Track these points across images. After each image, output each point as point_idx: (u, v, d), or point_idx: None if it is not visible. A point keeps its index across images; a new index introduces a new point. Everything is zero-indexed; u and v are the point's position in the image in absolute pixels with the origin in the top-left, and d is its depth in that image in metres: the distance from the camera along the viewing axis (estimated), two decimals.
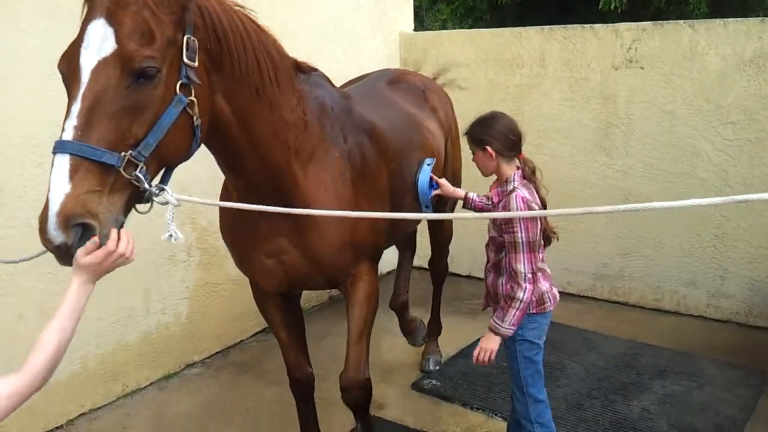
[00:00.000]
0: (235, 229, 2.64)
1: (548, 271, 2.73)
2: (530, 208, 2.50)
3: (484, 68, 5.48)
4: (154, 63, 1.73)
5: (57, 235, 1.58)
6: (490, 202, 2.79)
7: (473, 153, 2.69)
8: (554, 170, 5.28)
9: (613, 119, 5.02)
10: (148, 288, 3.99)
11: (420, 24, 6.48)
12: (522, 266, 2.51)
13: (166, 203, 1.81)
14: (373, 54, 5.55)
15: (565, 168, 5.25)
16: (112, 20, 1.70)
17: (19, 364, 3.22)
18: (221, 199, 2.65)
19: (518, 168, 2.64)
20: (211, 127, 2.05)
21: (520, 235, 2.49)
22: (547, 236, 2.65)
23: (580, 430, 3.50)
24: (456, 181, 3.89)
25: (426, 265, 4.53)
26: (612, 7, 11.58)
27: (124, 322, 3.87)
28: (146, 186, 1.73)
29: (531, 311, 2.63)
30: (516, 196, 2.54)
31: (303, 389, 3.04)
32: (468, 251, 5.73)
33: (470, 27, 13.90)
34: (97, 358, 3.75)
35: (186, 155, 1.95)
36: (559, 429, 3.41)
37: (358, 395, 2.83)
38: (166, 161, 1.87)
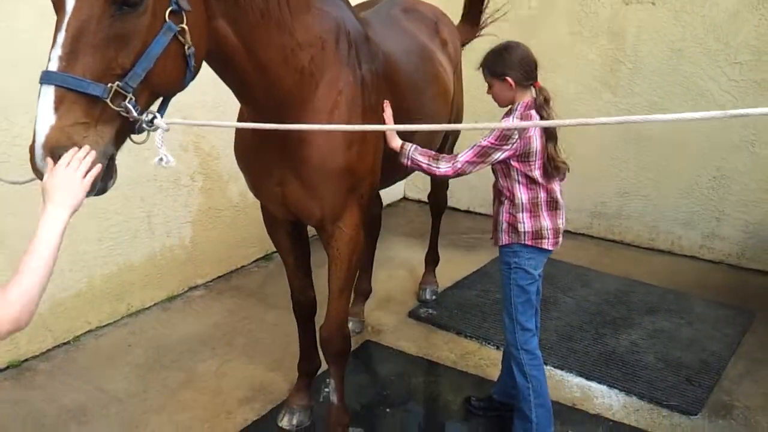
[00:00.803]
0: (247, 156, 2.63)
1: (560, 210, 2.69)
2: (506, 136, 2.52)
3: None
4: None
5: (44, 166, 1.58)
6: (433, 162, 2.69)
7: (490, 85, 2.66)
8: (558, 106, 5.20)
9: (620, 56, 4.98)
10: (152, 211, 4.04)
11: None
12: (462, 155, 2.58)
13: (157, 129, 1.78)
14: None
15: (569, 104, 5.21)
16: None
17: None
18: (238, 120, 2.63)
19: (532, 97, 2.64)
20: (215, 53, 2.00)
21: (485, 138, 2.55)
22: (557, 167, 2.61)
23: (570, 361, 3.63)
24: (459, 116, 3.89)
25: (425, 199, 4.58)
26: None
27: (129, 243, 3.94)
28: (135, 115, 1.69)
29: (526, 242, 2.65)
30: (504, 121, 2.59)
31: (305, 312, 3.11)
32: (468, 187, 5.79)
33: None
34: (103, 277, 3.85)
35: (180, 85, 1.89)
36: (550, 358, 3.56)
37: (338, 347, 2.84)
38: (158, 91, 1.82)
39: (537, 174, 2.58)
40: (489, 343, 3.78)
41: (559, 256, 4.89)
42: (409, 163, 2.61)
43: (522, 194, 2.63)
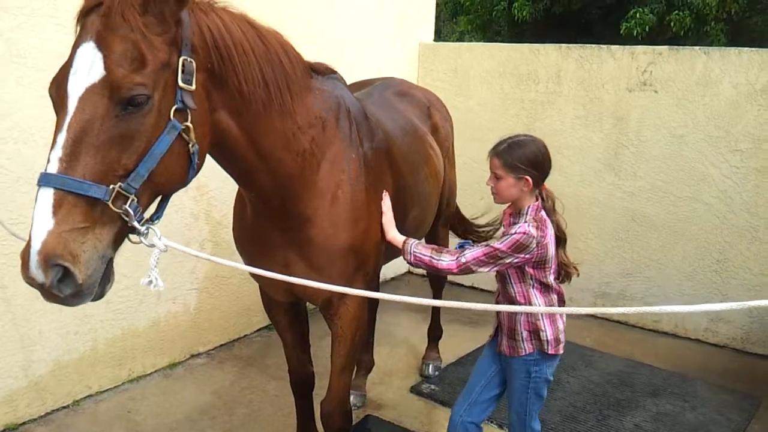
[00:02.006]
0: (247, 238, 2.59)
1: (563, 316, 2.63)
2: (523, 245, 2.34)
3: (500, 81, 5.57)
4: (145, 90, 1.63)
5: (38, 274, 1.52)
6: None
7: (497, 177, 2.46)
8: (563, 187, 5.36)
9: (624, 140, 5.10)
10: (160, 276, 4.08)
11: (437, 35, 6.57)
12: (470, 251, 2.39)
13: (153, 246, 1.69)
14: (393, 62, 5.66)
15: (574, 185, 5.33)
16: (101, 44, 1.61)
17: (34, 343, 3.32)
18: (236, 204, 2.63)
19: (537, 199, 2.48)
20: (217, 146, 1.98)
21: (500, 242, 2.38)
22: (568, 273, 2.55)
23: None
24: (452, 197, 3.95)
25: (425, 273, 4.61)
26: (635, 33, 11.69)
27: (136, 308, 3.96)
28: (134, 224, 1.64)
29: (549, 351, 2.53)
30: (520, 227, 2.38)
31: (303, 387, 3.09)
32: None
33: (487, 41, 14.05)
34: (106, 341, 3.85)
35: (182, 183, 1.84)
36: None
37: (339, 424, 2.79)
38: (160, 190, 1.78)
39: (551, 279, 2.49)
40: (491, 422, 3.73)
41: (564, 336, 4.88)
42: (411, 259, 2.46)
43: (539, 300, 2.51)
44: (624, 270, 5.28)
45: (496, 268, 2.43)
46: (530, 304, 2.50)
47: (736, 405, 4.04)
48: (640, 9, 12.43)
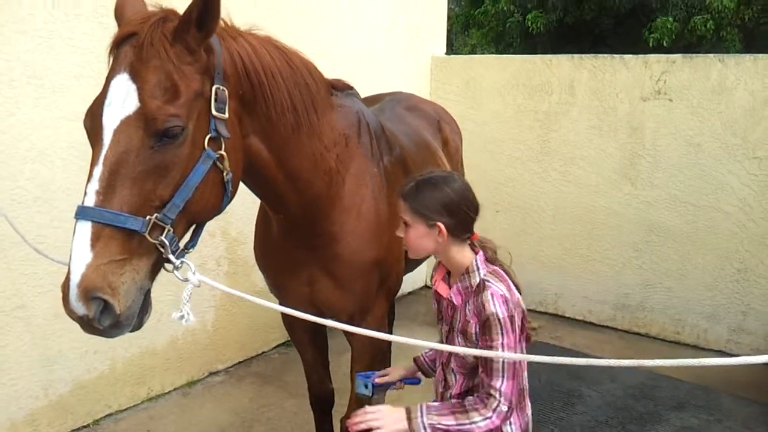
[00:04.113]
0: (270, 255, 2.59)
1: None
2: (512, 318, 1.87)
3: (514, 93, 5.56)
4: (179, 121, 1.62)
5: (78, 307, 1.53)
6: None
7: (406, 224, 1.97)
8: (579, 198, 5.35)
9: (640, 149, 5.07)
10: (178, 294, 4.09)
11: (449, 48, 6.58)
12: (500, 386, 1.85)
13: (186, 280, 1.67)
14: (405, 76, 5.67)
15: (590, 196, 5.30)
16: (135, 76, 1.62)
17: (54, 362, 3.36)
18: (258, 222, 2.63)
19: (475, 250, 2.01)
20: (247, 170, 1.96)
21: (498, 343, 1.85)
22: (528, 337, 2.03)
23: None
24: None
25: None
26: (664, 43, 11.61)
27: (154, 326, 3.98)
28: (169, 256, 1.64)
29: None
30: (492, 295, 1.88)
31: (323, 405, 3.07)
32: None
33: (500, 53, 14.08)
34: (125, 360, 3.86)
35: (216, 211, 1.85)
36: None
37: None
38: (195, 219, 1.78)
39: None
40: None
41: (584, 348, 4.85)
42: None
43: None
44: (643, 281, 5.22)
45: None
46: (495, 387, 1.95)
47: (762, 418, 3.96)
48: (663, 18, 12.35)
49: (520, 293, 2.00)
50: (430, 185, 1.94)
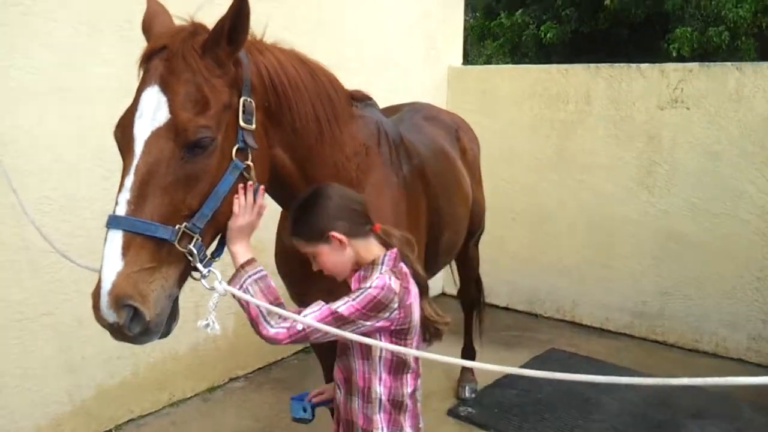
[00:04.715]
0: (290, 263, 2.59)
1: (419, 403, 2.06)
2: (381, 303, 1.83)
3: (530, 103, 5.59)
4: (209, 132, 1.66)
5: (109, 314, 1.56)
6: None
7: (314, 257, 1.96)
8: (596, 206, 5.36)
9: (657, 158, 5.07)
10: (200, 302, 4.15)
11: (464, 58, 6.64)
12: (314, 312, 1.83)
13: (213, 289, 1.70)
14: (422, 86, 5.73)
15: (607, 204, 5.30)
16: (166, 88, 1.66)
17: (78, 368, 3.41)
18: (279, 231, 2.64)
19: (388, 247, 1.98)
20: (271, 179, 1.99)
21: (351, 299, 1.83)
22: (438, 331, 2.03)
23: None
24: (481, 219, 3.98)
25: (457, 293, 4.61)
26: (685, 54, 11.58)
27: (175, 333, 4.01)
28: (197, 264, 1.68)
29: None
30: (376, 279, 1.86)
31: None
32: (506, 282, 5.83)
33: (515, 64, 14.10)
34: (148, 366, 3.93)
35: None
36: None
37: None
38: (222, 229, 1.81)
39: (411, 358, 1.95)
40: None
41: (601, 356, 4.84)
42: (238, 289, 1.81)
43: (381, 387, 1.95)
44: (661, 289, 5.21)
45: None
46: (370, 391, 1.96)
47: None
48: (682, 28, 12.31)
49: (423, 292, 1.99)
50: (303, 209, 1.94)
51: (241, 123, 1.77)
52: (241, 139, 1.77)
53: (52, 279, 3.39)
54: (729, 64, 4.80)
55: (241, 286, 1.80)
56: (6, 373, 3.29)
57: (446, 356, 1.60)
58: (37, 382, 3.42)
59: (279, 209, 2.48)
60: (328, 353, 2.98)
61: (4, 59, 3.10)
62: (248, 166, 1.79)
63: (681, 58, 11.46)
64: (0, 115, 3.11)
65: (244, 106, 1.78)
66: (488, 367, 1.49)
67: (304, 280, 2.51)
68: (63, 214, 3.39)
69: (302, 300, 2.60)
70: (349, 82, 2.54)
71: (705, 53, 12.25)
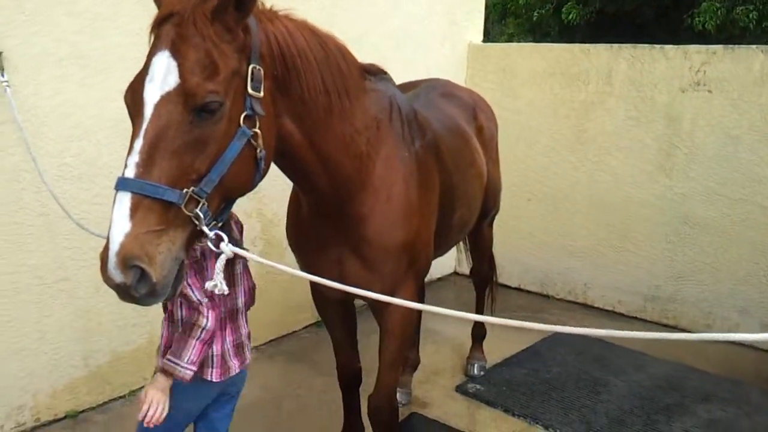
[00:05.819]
0: (301, 235, 2.64)
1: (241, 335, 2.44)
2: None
3: (550, 82, 5.54)
4: (218, 97, 1.68)
5: (116, 275, 1.57)
6: None
7: None
8: (613, 189, 5.33)
9: (677, 141, 5.02)
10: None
11: (486, 37, 6.57)
12: (190, 291, 2.12)
13: (221, 253, 1.73)
14: (441, 63, 5.68)
15: (624, 187, 5.27)
16: (176, 53, 1.67)
17: (94, 334, 3.45)
18: (290, 204, 2.68)
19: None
20: (279, 150, 2.00)
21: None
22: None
23: None
24: (497, 197, 3.96)
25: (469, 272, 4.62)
26: (709, 27, 11.32)
27: None
28: (203, 228, 1.70)
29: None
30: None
31: (350, 383, 3.14)
32: (519, 262, 5.84)
33: (537, 42, 13.93)
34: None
35: (249, 188, 1.90)
36: None
37: (386, 419, 2.84)
38: (228, 195, 1.82)
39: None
40: (537, 423, 3.73)
41: (612, 338, 4.83)
42: (190, 372, 2.17)
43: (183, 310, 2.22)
44: (675, 273, 5.19)
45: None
46: (172, 314, 2.25)
47: None
48: (709, 2, 12.03)
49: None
50: None
51: (250, 90, 1.79)
52: (249, 106, 1.78)
53: (71, 246, 3.44)
54: (754, 47, 4.71)
55: (182, 368, 2.15)
56: (25, 336, 3.37)
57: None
58: (54, 346, 3.50)
59: (290, 184, 2.50)
60: (339, 327, 3.02)
61: (29, 26, 3.12)
62: (255, 133, 1.81)
63: (705, 37, 11.23)
64: (23, 81, 3.14)
65: (252, 73, 1.80)
66: (510, 323, 1.54)
67: (314, 252, 2.58)
68: (82, 182, 3.43)
69: (312, 270, 2.64)
70: (369, 56, 2.53)
71: (731, 36, 12.00)
